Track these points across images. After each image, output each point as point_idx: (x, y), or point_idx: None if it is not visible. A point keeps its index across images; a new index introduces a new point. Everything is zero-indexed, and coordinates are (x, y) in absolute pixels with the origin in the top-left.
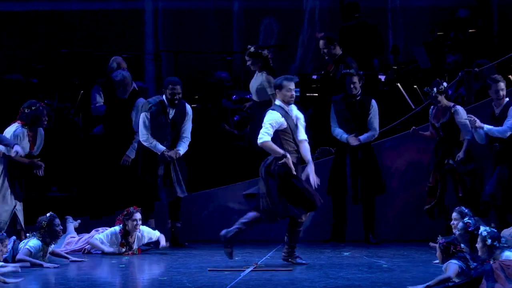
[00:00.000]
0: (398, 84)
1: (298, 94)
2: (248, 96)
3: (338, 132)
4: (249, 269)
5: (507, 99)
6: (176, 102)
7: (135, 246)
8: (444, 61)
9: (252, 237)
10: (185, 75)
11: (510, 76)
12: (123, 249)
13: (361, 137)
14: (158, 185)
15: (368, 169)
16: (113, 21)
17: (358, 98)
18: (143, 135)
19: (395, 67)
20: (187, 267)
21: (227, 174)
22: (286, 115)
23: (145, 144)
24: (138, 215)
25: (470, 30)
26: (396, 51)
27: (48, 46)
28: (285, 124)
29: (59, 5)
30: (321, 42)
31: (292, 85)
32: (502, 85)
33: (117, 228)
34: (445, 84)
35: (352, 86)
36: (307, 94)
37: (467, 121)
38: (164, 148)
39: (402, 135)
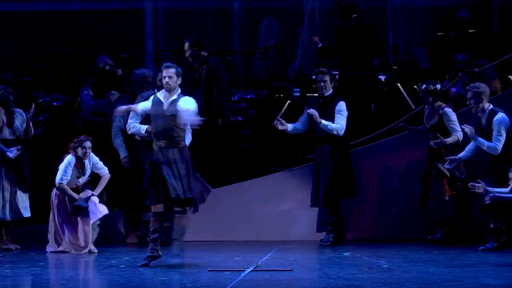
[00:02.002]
0: (398, 84)
1: (298, 94)
2: (248, 96)
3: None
4: (249, 269)
5: (490, 105)
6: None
7: (88, 172)
8: (444, 61)
9: (251, 237)
10: (185, 75)
11: (510, 77)
12: (79, 180)
13: (323, 120)
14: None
15: (337, 171)
16: (113, 21)
17: (328, 99)
18: (127, 125)
19: (395, 67)
20: (188, 267)
21: (229, 174)
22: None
23: (129, 132)
24: (88, 143)
25: (470, 30)
26: (396, 51)
27: (48, 46)
28: None
29: (59, 5)
30: (185, 45)
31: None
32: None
33: (69, 156)
34: (438, 85)
35: (322, 84)
36: (307, 94)
37: (455, 124)
38: (147, 126)
39: (403, 135)
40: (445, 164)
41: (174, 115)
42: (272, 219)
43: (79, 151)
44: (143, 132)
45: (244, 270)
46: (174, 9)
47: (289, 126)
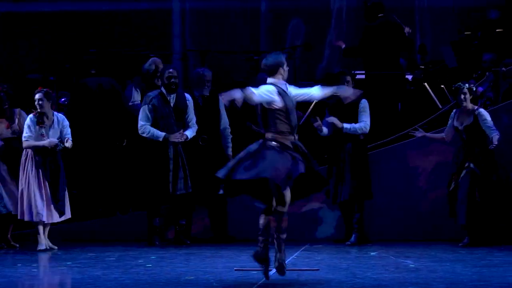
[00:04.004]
0: (425, 84)
1: None
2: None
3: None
4: None
5: None
6: (174, 87)
7: (56, 131)
8: (471, 61)
9: None
10: (212, 74)
11: None
12: (42, 130)
13: (345, 124)
14: (169, 180)
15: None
16: (141, 22)
17: None
18: (140, 127)
19: (423, 67)
20: (214, 266)
21: None
22: None
23: (143, 135)
24: (38, 95)
25: (497, 30)
26: (424, 51)
27: (77, 47)
28: None
29: (88, 5)
30: None
31: None
32: None
33: (30, 115)
34: (472, 85)
35: (345, 85)
36: None
37: (491, 123)
38: (164, 133)
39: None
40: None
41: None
42: (299, 219)
43: (35, 104)
44: (160, 138)
45: (271, 270)
46: (202, 9)
47: (324, 130)
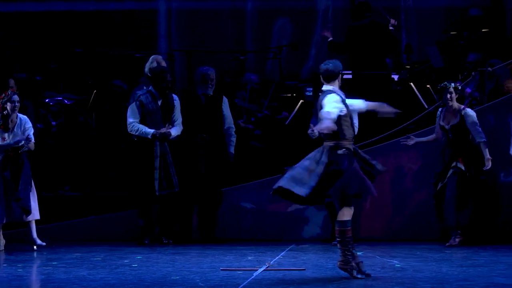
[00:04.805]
0: (411, 84)
1: (311, 94)
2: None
3: None
4: (262, 269)
5: None
6: (165, 86)
7: (16, 130)
8: (457, 60)
9: (264, 237)
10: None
11: None
12: (5, 134)
13: None
14: (155, 178)
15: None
16: (128, 21)
17: None
18: (128, 124)
19: (408, 67)
20: (200, 266)
21: (241, 173)
22: None
23: (132, 132)
24: (16, 97)
25: (483, 30)
26: (410, 51)
27: (62, 46)
28: None
29: (74, 5)
30: None
31: None
32: None
33: None
34: (458, 85)
35: None
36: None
37: (477, 124)
38: (153, 130)
39: (416, 135)
40: None
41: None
42: (285, 218)
43: (8, 105)
44: (149, 135)
45: (257, 270)
46: (187, 9)
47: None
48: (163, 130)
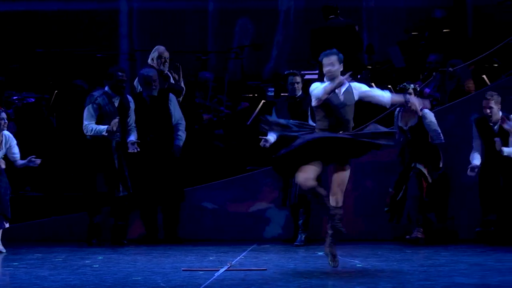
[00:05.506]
0: (373, 84)
1: (273, 94)
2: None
3: None
4: (223, 269)
5: (501, 112)
6: (122, 90)
7: (3, 146)
8: (418, 61)
9: (226, 237)
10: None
11: (484, 76)
12: None
13: None
14: (113, 179)
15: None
16: (89, 21)
17: (298, 99)
18: (84, 127)
19: (370, 67)
20: (162, 266)
21: (203, 173)
22: None
23: (88, 133)
24: (3, 114)
25: (444, 30)
26: (371, 51)
27: (23, 46)
28: None
29: (34, 5)
30: None
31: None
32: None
33: None
34: (417, 86)
35: (295, 86)
36: (281, 94)
37: (436, 125)
38: (106, 126)
39: None
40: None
41: (351, 104)
42: (246, 219)
43: None
44: (104, 132)
45: (218, 270)
46: (149, 9)
47: (271, 139)
48: (115, 120)
